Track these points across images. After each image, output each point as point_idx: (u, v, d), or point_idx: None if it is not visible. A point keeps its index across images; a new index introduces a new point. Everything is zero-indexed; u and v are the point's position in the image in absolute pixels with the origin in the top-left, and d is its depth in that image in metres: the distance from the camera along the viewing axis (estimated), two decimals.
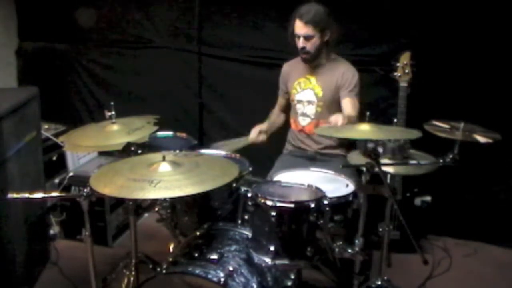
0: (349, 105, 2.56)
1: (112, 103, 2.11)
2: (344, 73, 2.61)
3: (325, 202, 1.86)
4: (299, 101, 2.70)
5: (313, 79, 2.66)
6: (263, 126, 2.70)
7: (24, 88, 3.46)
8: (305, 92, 2.68)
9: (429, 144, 2.06)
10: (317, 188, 1.94)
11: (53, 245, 2.85)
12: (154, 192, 1.55)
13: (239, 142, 2.65)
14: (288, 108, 2.83)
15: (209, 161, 1.90)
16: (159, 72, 3.69)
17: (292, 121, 2.79)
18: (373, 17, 3.04)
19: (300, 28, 2.51)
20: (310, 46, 2.54)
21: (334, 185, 2.12)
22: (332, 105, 2.63)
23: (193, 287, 1.69)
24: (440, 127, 2.15)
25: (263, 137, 2.69)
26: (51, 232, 2.96)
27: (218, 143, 2.67)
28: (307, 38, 2.52)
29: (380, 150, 1.86)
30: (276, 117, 2.88)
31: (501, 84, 2.91)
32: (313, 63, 2.65)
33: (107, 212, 2.97)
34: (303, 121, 2.71)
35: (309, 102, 2.67)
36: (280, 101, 2.87)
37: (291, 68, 2.77)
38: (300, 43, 2.54)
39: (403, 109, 2.74)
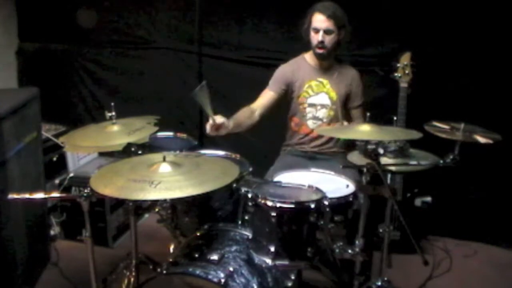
0: (360, 114, 2.67)
1: (112, 104, 2.11)
2: (353, 79, 2.66)
3: (325, 202, 1.86)
4: (312, 105, 2.66)
5: (326, 83, 2.64)
6: (226, 122, 2.23)
7: (25, 88, 3.46)
8: (319, 95, 2.65)
9: (429, 145, 2.06)
10: (317, 189, 1.93)
11: (53, 245, 2.85)
12: (154, 193, 1.55)
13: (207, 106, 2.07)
14: (269, 110, 2.63)
15: (210, 161, 1.90)
16: (159, 73, 3.69)
17: (294, 124, 2.72)
18: (373, 18, 3.05)
19: (321, 22, 2.50)
20: (328, 41, 2.52)
21: (335, 185, 2.12)
22: (343, 108, 2.66)
23: None
24: (440, 127, 2.15)
25: (220, 132, 2.22)
26: (52, 232, 2.96)
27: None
28: (327, 32, 2.50)
29: (381, 151, 1.86)
30: (247, 117, 2.47)
31: (502, 84, 2.91)
32: (325, 62, 2.63)
33: (107, 212, 2.97)
34: (314, 124, 2.68)
35: (323, 106, 2.65)
36: (267, 99, 2.62)
37: (295, 69, 2.67)
38: (319, 36, 2.51)
39: (403, 109, 2.74)
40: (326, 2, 2.54)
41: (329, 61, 2.64)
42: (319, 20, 2.50)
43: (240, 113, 2.45)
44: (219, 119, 2.19)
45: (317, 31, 2.52)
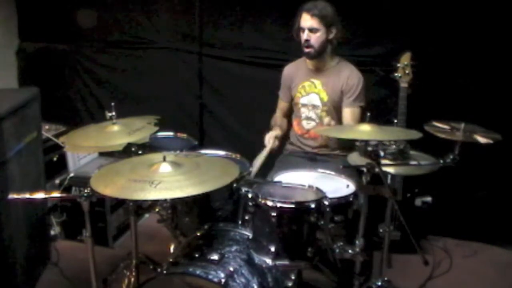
0: (349, 116, 2.59)
1: (112, 104, 2.11)
2: (348, 78, 2.59)
3: (326, 202, 1.86)
4: (304, 105, 2.68)
5: (318, 83, 2.64)
6: (277, 133, 2.64)
7: (25, 88, 3.46)
8: (310, 96, 2.66)
9: (430, 145, 2.06)
10: (318, 189, 1.94)
11: (53, 245, 2.85)
12: (155, 193, 1.55)
13: (262, 156, 2.51)
14: (290, 112, 2.81)
15: (210, 161, 1.91)
16: (159, 73, 3.69)
17: (295, 123, 2.77)
18: (373, 17, 3.04)
19: (306, 20, 2.50)
20: (314, 39, 2.52)
21: (335, 185, 2.12)
22: (337, 109, 2.64)
23: None
24: (440, 127, 2.15)
25: (277, 144, 2.62)
26: (52, 232, 2.96)
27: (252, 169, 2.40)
28: (312, 30, 2.50)
29: (381, 153, 1.86)
30: (281, 122, 2.80)
31: (502, 84, 2.91)
32: (317, 63, 2.63)
33: (107, 212, 2.96)
34: (308, 125, 2.70)
35: (314, 106, 2.65)
36: (283, 105, 2.82)
37: (294, 71, 2.74)
38: (305, 35, 2.52)
39: (404, 109, 2.73)
40: (314, 2, 2.54)
41: (322, 61, 2.63)
42: (304, 19, 2.52)
43: (276, 120, 2.80)
44: (272, 139, 2.58)
45: (303, 30, 2.53)
